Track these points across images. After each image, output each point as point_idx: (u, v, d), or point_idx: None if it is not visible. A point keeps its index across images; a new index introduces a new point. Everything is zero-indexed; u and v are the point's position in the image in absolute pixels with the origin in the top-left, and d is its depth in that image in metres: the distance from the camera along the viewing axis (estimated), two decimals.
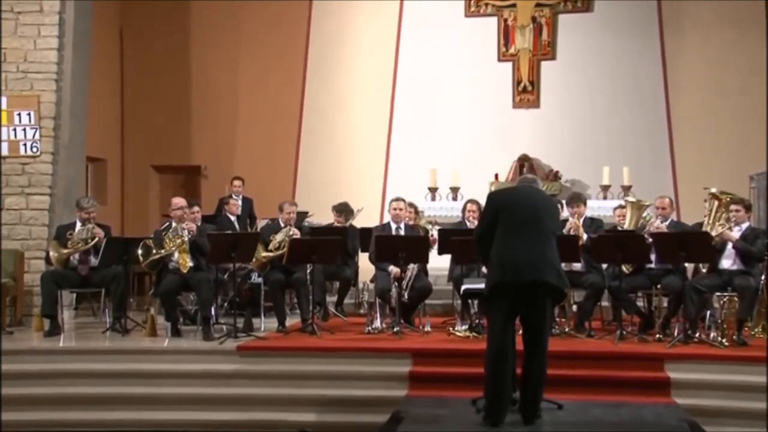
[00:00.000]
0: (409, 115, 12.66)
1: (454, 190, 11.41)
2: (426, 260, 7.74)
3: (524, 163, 11.67)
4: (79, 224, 7.85)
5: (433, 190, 11.61)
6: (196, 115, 13.33)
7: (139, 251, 7.39)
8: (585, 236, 7.45)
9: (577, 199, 7.77)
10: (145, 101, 13.38)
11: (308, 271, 7.96)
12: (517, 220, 4.94)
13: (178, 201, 7.72)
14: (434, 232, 9.02)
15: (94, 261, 7.80)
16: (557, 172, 11.88)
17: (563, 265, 7.49)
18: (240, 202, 10.49)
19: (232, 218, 10.11)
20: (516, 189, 5.25)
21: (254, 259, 7.73)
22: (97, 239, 7.71)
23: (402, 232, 8.08)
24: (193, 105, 13.35)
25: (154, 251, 7.41)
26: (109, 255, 7.66)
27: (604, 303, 7.93)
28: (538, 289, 4.85)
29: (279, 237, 7.86)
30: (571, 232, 7.44)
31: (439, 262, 8.47)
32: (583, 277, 7.48)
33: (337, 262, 8.36)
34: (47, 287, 7.58)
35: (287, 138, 12.93)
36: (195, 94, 13.34)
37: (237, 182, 11.09)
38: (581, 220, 7.62)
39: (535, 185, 5.25)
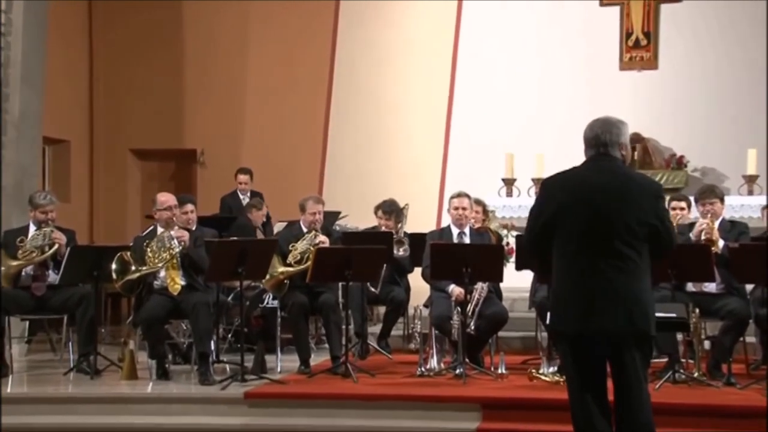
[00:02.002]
0: (476, 82, 12.62)
1: (538, 183, 11.32)
2: (499, 278, 7.70)
3: (635, 144, 11.55)
4: (32, 228, 7.95)
5: (509, 183, 11.55)
6: (191, 84, 13.47)
7: (114, 266, 7.45)
8: (721, 244, 7.34)
9: (711, 194, 7.66)
10: (122, 63, 13.55)
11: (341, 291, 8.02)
12: (575, 227, 4.57)
13: (166, 198, 7.75)
14: (510, 240, 8.95)
15: (53, 277, 7.90)
16: (681, 157, 11.72)
17: (690, 285, 7.50)
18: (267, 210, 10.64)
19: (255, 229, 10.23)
20: (579, 173, 4.73)
21: (268, 276, 7.77)
22: (56, 246, 7.78)
23: (467, 240, 8.06)
24: (187, 70, 13.49)
25: (133, 268, 7.47)
26: (73, 270, 7.72)
27: (749, 338, 7.79)
28: (604, 338, 4.58)
29: (301, 246, 7.89)
30: (702, 238, 7.33)
31: (516, 281, 8.43)
32: (720, 302, 7.37)
33: (381, 279, 8.38)
34: None
35: (311, 114, 12.99)
36: (190, 56, 13.47)
37: (242, 177, 11.20)
38: (717, 222, 7.51)
39: (611, 163, 4.70)
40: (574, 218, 4.60)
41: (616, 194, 4.59)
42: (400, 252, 8.58)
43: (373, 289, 8.53)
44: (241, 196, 11.34)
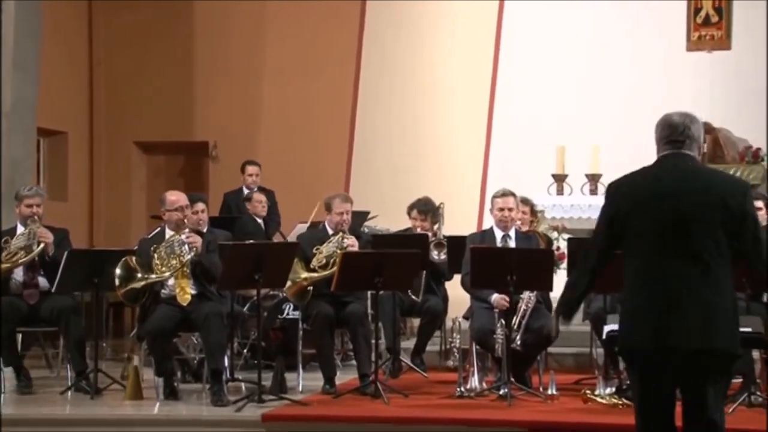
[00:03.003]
0: (523, 65, 12.60)
1: (593, 179, 11.28)
2: (549, 287, 7.70)
3: (705, 136, 11.48)
4: (20, 228, 7.98)
5: (560, 179, 11.50)
6: (201, 71, 13.52)
7: (118, 272, 7.48)
8: None
9: None
10: (126, 47, 13.63)
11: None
12: (651, 237, 4.54)
13: (177, 198, 7.78)
14: (562, 243, 8.92)
15: (43, 282, 7.95)
16: (758, 149, 11.61)
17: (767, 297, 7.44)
18: (264, 197, 10.69)
19: (258, 221, 10.26)
20: (652, 176, 4.67)
21: (289, 283, 7.80)
22: (42, 246, 7.81)
23: (512, 244, 8.05)
24: (197, 55, 13.55)
25: (139, 275, 7.50)
26: (71, 276, 7.78)
27: None
28: (684, 358, 4.51)
29: (327, 249, 7.91)
30: None
31: None
32: None
33: (417, 288, 8.37)
34: None
35: (337, 102, 13.01)
36: (201, 39, 13.52)
37: (251, 168, 11.28)
38: None
39: (690, 163, 4.67)
40: (649, 228, 4.56)
41: (696, 200, 4.54)
42: (442, 256, 8.58)
43: (414, 297, 8.55)
44: (246, 192, 11.32)
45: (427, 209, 9.01)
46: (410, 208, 9.11)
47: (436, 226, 8.95)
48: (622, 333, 4.73)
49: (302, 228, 10.00)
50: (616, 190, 4.76)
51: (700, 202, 4.54)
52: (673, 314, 4.51)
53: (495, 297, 7.70)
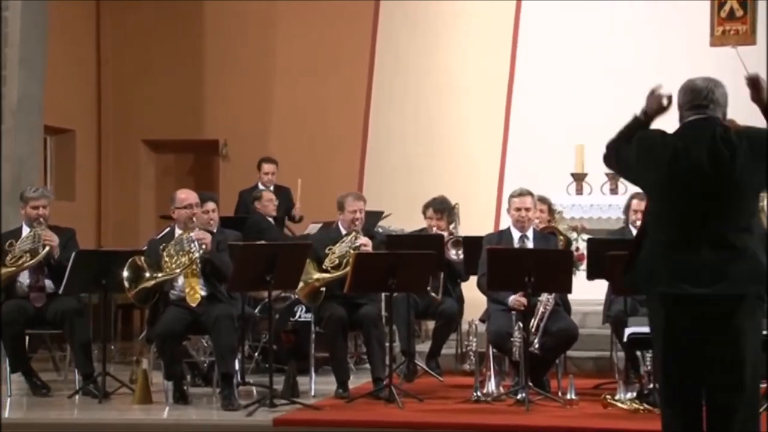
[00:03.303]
0: (541, 62, 12.56)
1: (613, 178, 11.26)
2: (568, 288, 7.68)
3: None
4: (26, 229, 8.00)
5: (579, 178, 11.49)
6: (211, 68, 13.53)
7: (125, 273, 7.50)
8: None
9: None
10: (134, 45, 13.65)
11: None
12: (678, 185, 4.55)
13: (186, 196, 7.81)
14: (581, 244, 8.90)
15: (50, 285, 7.95)
16: None
17: None
18: (274, 196, 10.69)
19: (269, 220, 10.25)
20: (677, 146, 4.64)
21: (301, 284, 7.79)
22: (47, 249, 7.82)
23: (530, 244, 8.04)
24: (207, 54, 13.55)
25: (148, 274, 7.52)
26: (79, 277, 7.79)
27: None
28: (715, 303, 4.47)
29: (340, 249, 7.91)
30: None
31: (588, 292, 8.41)
32: None
33: (435, 286, 8.37)
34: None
35: (350, 100, 13.00)
36: (211, 34, 13.53)
37: (268, 166, 11.28)
38: None
39: (711, 127, 4.66)
40: (672, 178, 4.56)
41: (723, 171, 4.51)
42: (459, 255, 8.56)
43: (434, 295, 8.53)
44: (256, 191, 11.28)
45: (442, 208, 8.99)
46: (425, 207, 9.09)
47: (452, 226, 8.95)
48: (639, 278, 4.65)
49: (314, 228, 9.99)
50: (641, 139, 4.78)
51: (719, 161, 4.53)
52: (692, 260, 4.47)
53: (512, 297, 7.70)
